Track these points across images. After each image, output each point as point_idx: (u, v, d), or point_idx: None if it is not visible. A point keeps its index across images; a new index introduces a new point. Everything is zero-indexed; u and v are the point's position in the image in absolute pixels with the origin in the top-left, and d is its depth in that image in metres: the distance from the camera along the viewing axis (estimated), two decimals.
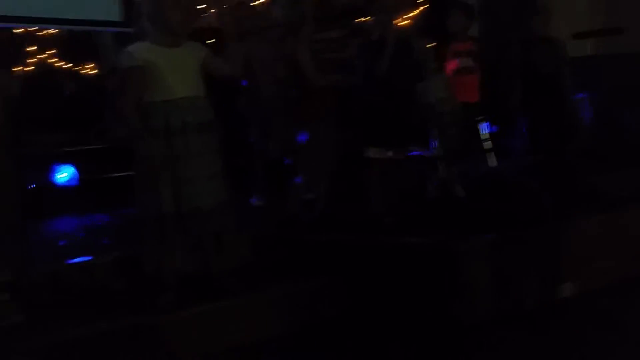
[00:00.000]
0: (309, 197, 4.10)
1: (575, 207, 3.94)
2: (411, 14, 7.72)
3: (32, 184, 4.10)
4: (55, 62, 5.94)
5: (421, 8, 7.64)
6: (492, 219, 3.51)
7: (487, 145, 4.52)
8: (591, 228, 3.67)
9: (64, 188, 4.38)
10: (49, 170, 4.35)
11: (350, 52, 4.51)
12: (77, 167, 4.52)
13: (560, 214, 3.76)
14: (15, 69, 5.60)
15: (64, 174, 4.40)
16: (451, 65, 4.47)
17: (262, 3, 7.15)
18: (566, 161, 4.97)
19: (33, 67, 5.79)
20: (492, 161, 4.45)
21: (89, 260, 3.05)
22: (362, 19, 4.81)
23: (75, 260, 3.03)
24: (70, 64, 6.00)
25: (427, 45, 4.29)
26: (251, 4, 5.73)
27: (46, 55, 5.90)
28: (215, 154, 2.78)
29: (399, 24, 3.55)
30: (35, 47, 5.81)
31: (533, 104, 4.59)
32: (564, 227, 3.60)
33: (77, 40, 5.83)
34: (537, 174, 4.75)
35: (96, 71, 5.96)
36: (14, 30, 5.43)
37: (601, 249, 3.63)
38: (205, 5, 7.07)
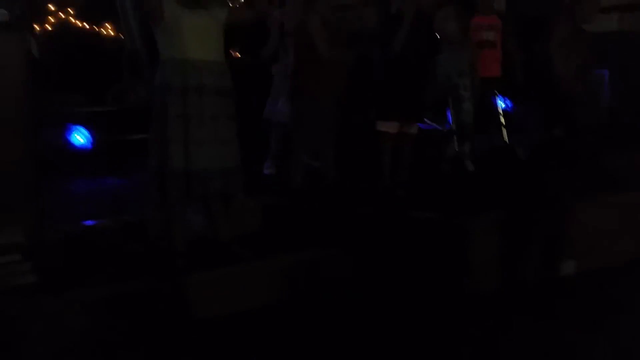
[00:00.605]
0: (314, 165, 4.15)
1: (584, 186, 3.94)
2: None
3: (49, 145, 4.13)
4: (75, 21, 5.93)
5: None
6: (499, 196, 3.53)
7: (502, 120, 4.47)
8: (597, 208, 3.66)
9: (80, 149, 4.42)
10: (66, 131, 4.39)
11: (364, 21, 4.49)
12: (94, 129, 4.56)
13: (567, 193, 3.76)
14: (35, 28, 5.62)
15: (81, 136, 4.43)
16: (474, 38, 4.41)
17: None
18: (580, 138, 4.95)
19: (52, 27, 5.79)
20: (504, 137, 4.42)
21: (102, 223, 3.12)
22: None
23: (89, 222, 3.09)
24: (90, 24, 5.99)
25: (450, 18, 4.23)
26: None
27: (65, 15, 5.89)
28: (230, 120, 2.80)
29: None
30: (54, 7, 5.80)
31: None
32: (570, 206, 3.60)
33: (97, 1, 5.83)
34: (550, 151, 4.75)
35: (115, 33, 5.96)
36: None
37: (608, 229, 3.63)
38: None
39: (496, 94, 4.52)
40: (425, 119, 4.07)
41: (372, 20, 3.87)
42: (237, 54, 6.06)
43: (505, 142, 4.43)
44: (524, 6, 6.15)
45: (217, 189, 2.78)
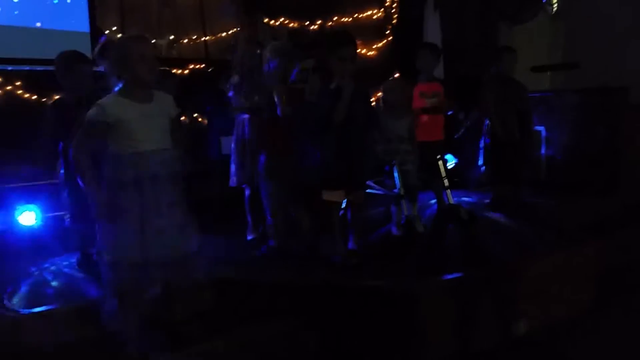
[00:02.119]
0: (258, 233, 4.26)
1: (528, 242, 4.11)
2: (377, 47, 7.96)
3: None
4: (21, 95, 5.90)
5: (385, 42, 7.90)
6: (449, 257, 3.64)
7: (446, 181, 4.66)
8: (542, 265, 3.81)
9: (27, 227, 4.34)
10: (14, 212, 4.31)
11: (310, 88, 4.65)
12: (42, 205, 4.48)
13: (513, 251, 3.91)
14: None
15: (31, 216, 4.34)
16: (418, 104, 4.62)
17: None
18: (522, 193, 5.21)
19: None
20: (449, 198, 4.60)
21: (52, 309, 3.06)
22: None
23: (38, 309, 3.03)
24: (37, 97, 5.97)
25: (396, 89, 4.43)
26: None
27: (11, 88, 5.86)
28: (183, 204, 2.85)
29: (357, 68, 3.62)
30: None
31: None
32: (517, 265, 3.74)
33: (45, 76, 5.83)
34: (498, 206, 4.97)
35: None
36: None
37: (554, 284, 3.78)
38: (173, 37, 7.19)
39: (441, 157, 4.71)
40: (371, 184, 4.19)
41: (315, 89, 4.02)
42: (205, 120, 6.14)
43: (450, 202, 4.58)
44: (461, 68, 6.50)
45: (174, 276, 2.79)
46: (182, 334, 2.92)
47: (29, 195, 4.45)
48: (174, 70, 6.54)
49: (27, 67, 5.88)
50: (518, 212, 4.77)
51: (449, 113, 5.05)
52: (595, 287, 3.95)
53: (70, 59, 3.71)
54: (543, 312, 3.68)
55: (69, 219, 3.76)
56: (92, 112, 2.72)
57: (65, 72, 3.68)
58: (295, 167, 3.88)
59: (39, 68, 5.86)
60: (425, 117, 4.58)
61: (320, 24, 8.02)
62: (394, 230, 4.29)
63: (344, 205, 3.74)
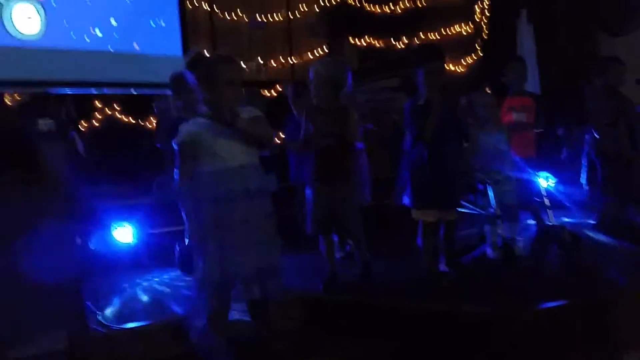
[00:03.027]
0: (341, 255, 4.10)
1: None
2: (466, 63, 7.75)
3: (91, 240, 4.19)
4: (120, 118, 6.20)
5: (475, 57, 7.67)
6: (549, 285, 3.38)
7: (546, 201, 4.36)
8: None
9: (124, 244, 4.47)
10: (110, 229, 4.45)
11: (396, 105, 4.54)
12: (139, 222, 4.62)
13: (624, 277, 3.58)
14: (84, 125, 5.89)
15: (126, 233, 4.46)
16: (506, 119, 4.41)
17: None
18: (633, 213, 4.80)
19: (99, 123, 6.06)
20: (551, 218, 4.29)
21: (143, 325, 3.11)
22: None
23: (131, 325, 3.08)
24: (135, 119, 6.24)
25: (487, 98, 4.25)
26: None
27: (111, 110, 6.17)
28: (267, 220, 2.81)
29: (447, 82, 3.48)
30: (100, 104, 6.10)
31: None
32: (627, 293, 3.42)
33: (141, 99, 6.09)
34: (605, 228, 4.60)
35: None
36: None
37: None
38: (261, 59, 7.33)
39: (536, 175, 4.44)
40: (465, 204, 3.99)
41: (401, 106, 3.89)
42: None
43: (552, 224, 4.28)
44: (557, 82, 6.18)
45: (258, 292, 2.76)
46: (269, 353, 2.86)
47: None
48: (263, 92, 6.66)
49: (121, 91, 6.16)
50: (628, 235, 4.39)
51: (539, 130, 4.74)
52: None
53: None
54: None
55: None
56: (179, 136, 2.76)
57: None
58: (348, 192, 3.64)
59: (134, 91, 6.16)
60: (513, 134, 4.34)
61: (407, 42, 7.94)
62: (489, 253, 4.06)
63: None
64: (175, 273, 4.12)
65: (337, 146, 3.55)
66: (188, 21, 6.51)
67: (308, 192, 3.66)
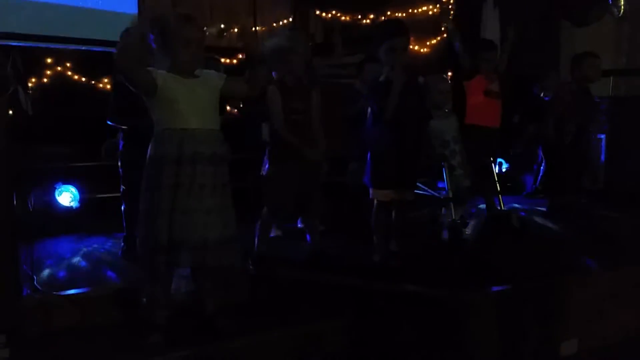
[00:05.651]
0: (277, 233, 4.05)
1: (584, 256, 3.84)
2: (431, 43, 7.73)
3: (32, 202, 4.01)
4: (71, 76, 5.93)
5: (439, 39, 7.65)
6: (495, 269, 3.41)
7: (498, 185, 4.42)
8: (598, 282, 3.55)
9: (66, 208, 4.31)
10: (53, 190, 4.28)
11: (358, 83, 4.47)
12: (84, 186, 4.46)
13: (570, 265, 3.66)
14: (32, 83, 5.62)
15: (70, 197, 4.31)
16: (481, 88, 4.39)
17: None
18: (582, 203, 4.91)
19: (48, 81, 5.79)
20: (500, 204, 4.35)
21: (83, 292, 2.99)
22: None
23: (69, 292, 2.97)
24: (87, 78, 5.99)
25: (443, 84, 4.24)
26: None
27: (61, 69, 5.90)
28: (224, 188, 2.71)
29: (410, 61, 3.41)
30: (51, 61, 5.82)
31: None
32: (573, 280, 3.49)
33: (94, 57, 5.85)
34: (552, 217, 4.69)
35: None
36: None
37: (612, 304, 3.52)
38: (223, 26, 7.14)
39: (493, 160, 4.48)
40: (420, 185, 3.98)
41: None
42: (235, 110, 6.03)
43: (501, 209, 4.34)
44: (517, 68, 6.21)
45: (206, 260, 2.65)
46: (209, 328, 2.80)
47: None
48: (223, 59, 6.47)
49: (75, 47, 5.90)
50: (576, 223, 4.48)
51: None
52: None
53: None
54: (596, 333, 3.43)
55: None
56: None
57: None
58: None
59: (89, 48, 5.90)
60: (484, 99, 4.34)
61: (372, 18, 7.86)
62: (445, 235, 4.07)
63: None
64: (117, 240, 3.99)
65: (303, 122, 3.45)
66: None
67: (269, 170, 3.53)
